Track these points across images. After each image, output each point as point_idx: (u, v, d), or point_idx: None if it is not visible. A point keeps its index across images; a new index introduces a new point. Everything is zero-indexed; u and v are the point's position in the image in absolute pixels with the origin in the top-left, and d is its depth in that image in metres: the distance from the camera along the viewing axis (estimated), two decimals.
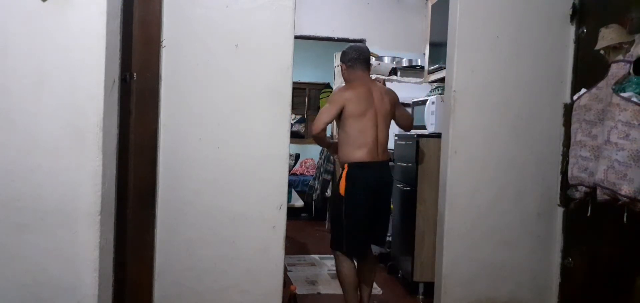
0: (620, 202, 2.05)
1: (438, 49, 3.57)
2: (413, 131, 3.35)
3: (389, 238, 4.02)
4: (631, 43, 2.14)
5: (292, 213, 5.34)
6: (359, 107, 2.64)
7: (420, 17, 4.60)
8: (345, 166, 2.68)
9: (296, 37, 2.38)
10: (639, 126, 1.98)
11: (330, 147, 3.03)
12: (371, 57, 3.05)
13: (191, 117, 2.30)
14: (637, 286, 2.19)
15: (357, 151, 2.65)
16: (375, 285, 3.46)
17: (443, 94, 3.12)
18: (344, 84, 2.86)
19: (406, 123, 2.95)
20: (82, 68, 1.85)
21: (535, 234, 2.72)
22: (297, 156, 6.47)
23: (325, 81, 7.02)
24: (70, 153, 1.86)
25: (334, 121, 2.77)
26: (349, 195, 2.64)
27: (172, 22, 2.25)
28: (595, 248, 2.46)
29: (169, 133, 2.28)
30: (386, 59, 4.43)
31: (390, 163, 3.87)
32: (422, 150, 3.26)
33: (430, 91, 3.85)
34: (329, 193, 5.16)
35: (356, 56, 2.77)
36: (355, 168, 2.65)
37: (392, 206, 3.90)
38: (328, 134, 3.18)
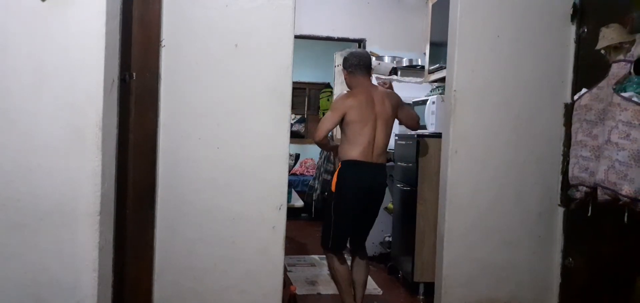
0: (621, 202, 2.05)
1: (438, 49, 3.56)
2: (413, 131, 3.34)
3: (389, 238, 4.03)
4: (632, 43, 2.14)
5: (292, 213, 5.32)
6: (360, 114, 2.70)
7: (421, 16, 4.59)
8: (340, 163, 2.77)
9: (296, 37, 2.38)
10: (639, 125, 1.98)
11: (334, 150, 3.08)
12: (372, 57, 3.05)
13: (191, 117, 2.30)
14: (637, 286, 2.19)
15: (352, 150, 2.72)
16: (375, 285, 3.47)
17: (443, 93, 3.12)
18: (346, 90, 2.90)
19: (412, 123, 2.95)
20: (81, 68, 1.85)
21: (536, 234, 2.71)
22: (297, 156, 6.47)
23: (325, 80, 7.02)
24: (69, 153, 1.86)
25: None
26: (338, 191, 2.74)
27: (172, 22, 2.24)
28: (596, 248, 2.46)
29: (168, 133, 2.28)
30: (386, 59, 4.43)
31: (390, 163, 3.87)
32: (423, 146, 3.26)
33: (431, 91, 3.84)
34: None
35: (356, 63, 2.82)
36: (348, 165, 2.73)
37: (391, 205, 3.90)
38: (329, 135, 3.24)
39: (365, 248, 2.92)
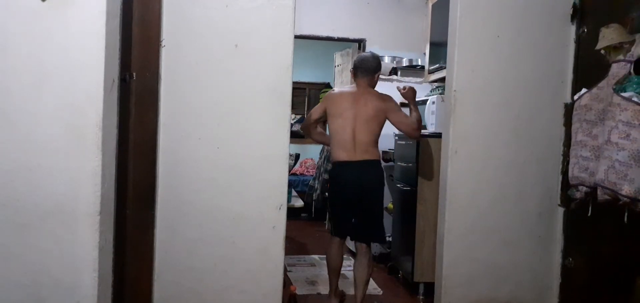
0: (620, 202, 2.05)
1: (438, 49, 3.56)
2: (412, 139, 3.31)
3: (389, 238, 4.02)
4: (632, 43, 2.14)
5: (292, 213, 5.33)
6: (337, 108, 2.91)
7: (421, 16, 4.59)
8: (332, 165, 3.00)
9: (296, 37, 2.37)
10: (639, 125, 1.98)
11: (324, 141, 3.30)
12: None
13: (191, 117, 2.30)
14: (637, 286, 2.19)
15: (337, 151, 2.90)
16: (375, 285, 3.47)
17: (443, 93, 3.12)
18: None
19: (405, 129, 2.88)
20: (81, 68, 1.85)
21: (536, 234, 2.71)
22: (297, 156, 6.46)
23: (325, 80, 7.01)
24: (70, 153, 1.86)
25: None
26: (330, 190, 3.06)
27: (172, 22, 2.24)
28: (596, 248, 2.46)
29: (168, 133, 2.28)
30: (386, 59, 4.43)
31: (390, 163, 3.87)
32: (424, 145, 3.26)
33: (431, 91, 3.84)
34: None
35: (359, 65, 2.99)
36: (336, 166, 2.93)
37: (391, 205, 3.90)
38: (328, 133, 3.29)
39: (369, 247, 2.91)
